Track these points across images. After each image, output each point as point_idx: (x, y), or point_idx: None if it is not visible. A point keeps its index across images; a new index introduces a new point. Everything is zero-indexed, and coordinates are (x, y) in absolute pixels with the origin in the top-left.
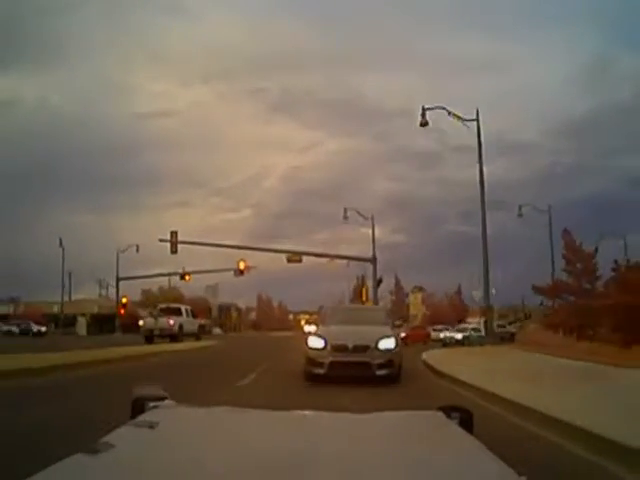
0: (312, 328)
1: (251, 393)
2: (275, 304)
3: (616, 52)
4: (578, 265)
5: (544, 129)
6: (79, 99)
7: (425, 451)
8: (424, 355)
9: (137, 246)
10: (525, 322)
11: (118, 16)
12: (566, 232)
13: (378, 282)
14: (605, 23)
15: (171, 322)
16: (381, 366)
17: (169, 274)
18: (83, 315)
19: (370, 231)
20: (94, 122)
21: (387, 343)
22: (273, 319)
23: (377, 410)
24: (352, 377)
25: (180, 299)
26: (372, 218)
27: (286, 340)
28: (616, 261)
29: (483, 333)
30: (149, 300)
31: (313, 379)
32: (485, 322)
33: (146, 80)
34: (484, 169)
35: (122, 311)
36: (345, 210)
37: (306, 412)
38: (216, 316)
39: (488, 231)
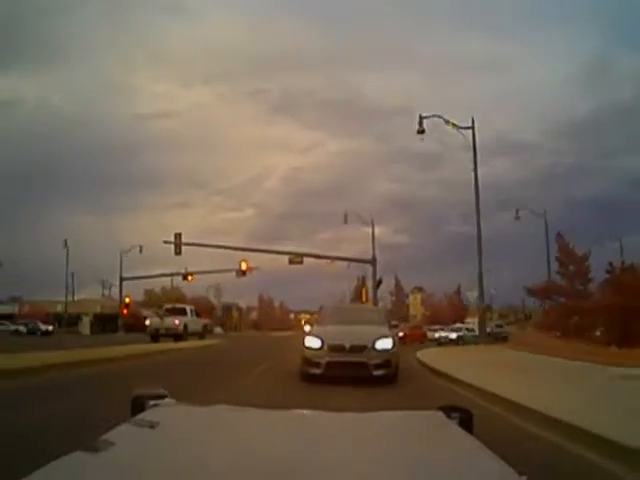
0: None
1: (254, 390)
2: (276, 304)
3: (616, 52)
4: (571, 267)
5: (544, 129)
6: (79, 99)
7: (425, 451)
8: (418, 354)
9: (140, 247)
10: (525, 323)
11: (118, 16)
12: (559, 236)
13: (378, 283)
14: (605, 23)
15: (176, 322)
16: (378, 366)
17: (172, 274)
18: (86, 315)
19: (371, 231)
20: (94, 122)
21: (384, 343)
22: (274, 319)
23: (371, 396)
24: (349, 377)
25: (182, 299)
26: (372, 221)
27: (287, 340)
28: (611, 263)
29: (477, 333)
30: (152, 300)
31: (310, 379)
32: (479, 322)
33: (146, 81)
34: (481, 171)
35: (125, 311)
36: (346, 215)
37: (306, 411)
38: (220, 316)
39: (491, 231)
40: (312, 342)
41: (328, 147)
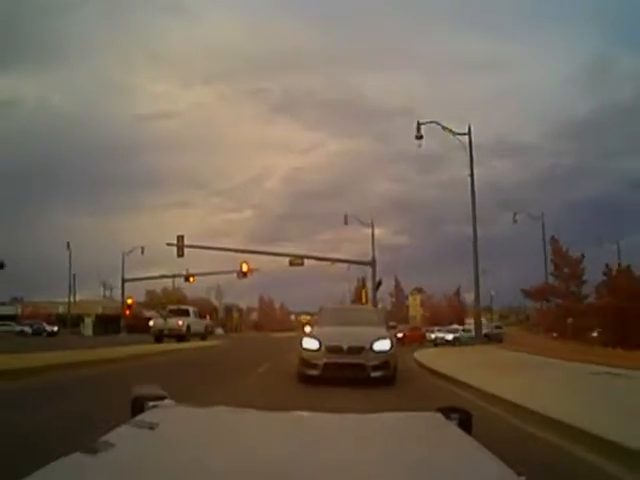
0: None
1: (256, 389)
2: (277, 305)
3: (616, 52)
4: (565, 270)
5: (544, 130)
6: (79, 99)
7: (424, 452)
8: (415, 354)
9: (142, 248)
10: (527, 324)
11: (118, 16)
12: (554, 239)
13: (377, 285)
14: (605, 23)
15: (180, 323)
16: (376, 368)
17: (173, 276)
18: (88, 316)
19: (371, 232)
20: (94, 123)
21: (382, 344)
22: (274, 320)
23: (369, 389)
24: (346, 379)
25: (183, 300)
26: (372, 223)
27: (287, 341)
28: (607, 265)
29: (473, 334)
30: (153, 301)
31: (307, 380)
32: (475, 324)
33: (147, 81)
34: (481, 172)
35: (127, 312)
36: (346, 216)
37: (305, 413)
38: (222, 317)
39: (492, 233)
40: (310, 343)
41: (328, 147)
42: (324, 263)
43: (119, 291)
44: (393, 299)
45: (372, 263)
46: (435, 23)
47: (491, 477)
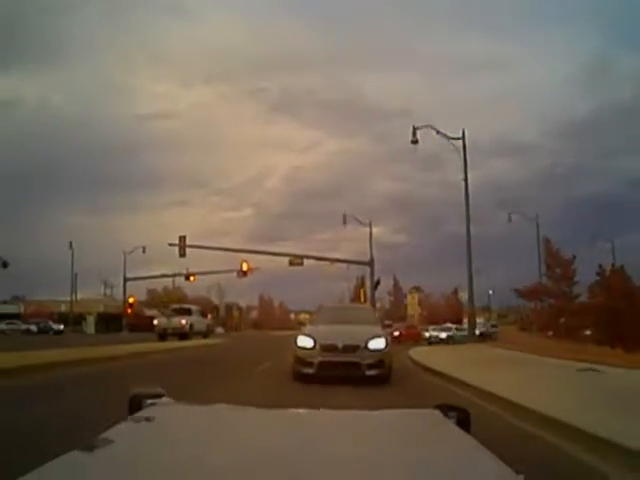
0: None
1: (260, 384)
2: (276, 304)
3: (617, 52)
4: (557, 270)
5: (544, 130)
6: (80, 100)
7: (423, 450)
8: (410, 351)
9: (144, 248)
10: (520, 323)
11: (119, 17)
12: (547, 240)
13: (376, 284)
14: (605, 23)
15: (183, 321)
16: (371, 366)
17: (174, 275)
18: (89, 314)
19: (372, 230)
20: (95, 123)
21: (377, 343)
22: (274, 319)
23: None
24: (341, 377)
25: (184, 299)
26: (370, 224)
27: (286, 339)
28: (600, 265)
29: (467, 332)
30: (154, 300)
31: (302, 379)
32: (469, 322)
33: (147, 81)
34: (481, 171)
35: (129, 310)
36: (344, 217)
37: (303, 410)
38: (223, 316)
39: (491, 232)
40: (305, 342)
41: (327, 147)
42: (323, 263)
43: (119, 290)
44: (392, 298)
45: (370, 263)
46: (435, 23)
47: (489, 475)
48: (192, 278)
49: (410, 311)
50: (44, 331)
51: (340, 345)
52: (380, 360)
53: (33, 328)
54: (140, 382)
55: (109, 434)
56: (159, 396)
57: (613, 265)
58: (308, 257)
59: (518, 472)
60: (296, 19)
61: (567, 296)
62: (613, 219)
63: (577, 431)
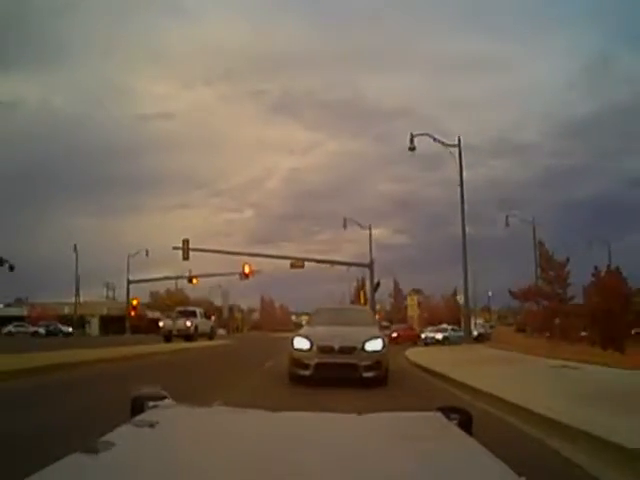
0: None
1: (268, 377)
2: (277, 305)
3: (618, 52)
4: (551, 273)
5: (544, 130)
6: (81, 101)
7: (425, 452)
8: (407, 352)
9: (147, 251)
10: (518, 324)
11: (120, 18)
12: (540, 244)
13: (375, 286)
14: (606, 23)
15: (188, 323)
16: (368, 368)
17: (177, 277)
18: (92, 316)
19: (372, 231)
20: (96, 124)
21: (374, 344)
22: (275, 320)
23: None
24: (338, 379)
25: (186, 301)
26: (370, 228)
27: (286, 340)
28: (596, 267)
29: (462, 333)
30: (157, 302)
31: (298, 381)
32: (465, 324)
33: (148, 82)
34: (481, 171)
35: (132, 313)
36: (345, 221)
37: (305, 413)
38: (227, 317)
39: (493, 232)
40: (301, 343)
41: (328, 147)
42: (324, 265)
43: (121, 292)
44: (392, 300)
45: (370, 265)
46: (435, 23)
47: (492, 478)
48: (195, 280)
49: (410, 313)
50: (53, 333)
51: (337, 346)
52: (377, 362)
53: (41, 331)
54: (161, 379)
55: (111, 437)
56: (161, 398)
57: (609, 267)
58: (309, 260)
59: (520, 474)
60: (296, 20)
61: (561, 298)
62: (614, 219)
63: (516, 407)
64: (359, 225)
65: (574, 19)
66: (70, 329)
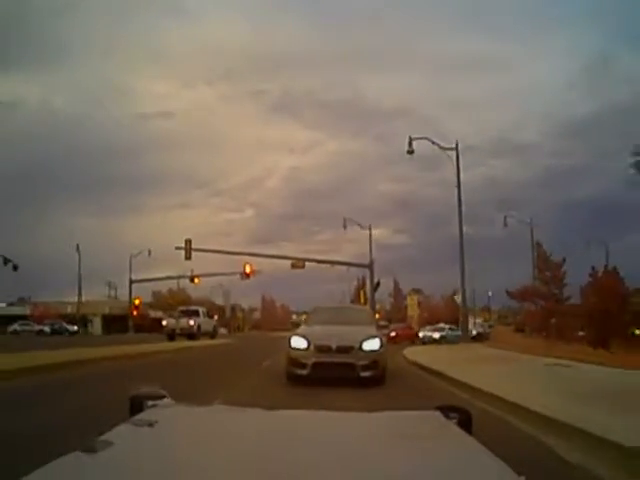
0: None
1: (267, 376)
2: (278, 305)
3: (618, 52)
4: (547, 273)
5: (544, 130)
6: (82, 100)
7: (424, 451)
8: (405, 350)
9: (149, 251)
10: (516, 324)
11: (120, 17)
12: (538, 244)
13: (375, 286)
14: (606, 23)
15: (191, 322)
16: (365, 367)
17: (178, 277)
18: (94, 315)
19: (372, 231)
20: (96, 124)
21: (371, 344)
22: (276, 319)
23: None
24: (336, 378)
25: (188, 300)
26: (369, 228)
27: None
28: (593, 267)
29: (460, 332)
30: (159, 302)
31: (296, 380)
32: (462, 323)
33: (148, 81)
34: (481, 171)
35: (135, 312)
36: (345, 222)
37: (304, 411)
38: (229, 317)
39: (495, 232)
40: (298, 342)
41: (328, 147)
42: (325, 265)
43: (122, 291)
44: (392, 299)
45: (370, 266)
46: (435, 23)
47: (491, 477)
48: (196, 280)
49: (410, 312)
50: (59, 332)
51: (334, 346)
52: (374, 361)
53: (46, 329)
54: (165, 377)
55: (109, 436)
56: (160, 397)
57: (606, 267)
58: (309, 260)
59: (520, 473)
60: (296, 20)
61: (557, 298)
62: (613, 219)
63: (502, 400)
64: (359, 225)
65: (574, 19)
66: (75, 328)
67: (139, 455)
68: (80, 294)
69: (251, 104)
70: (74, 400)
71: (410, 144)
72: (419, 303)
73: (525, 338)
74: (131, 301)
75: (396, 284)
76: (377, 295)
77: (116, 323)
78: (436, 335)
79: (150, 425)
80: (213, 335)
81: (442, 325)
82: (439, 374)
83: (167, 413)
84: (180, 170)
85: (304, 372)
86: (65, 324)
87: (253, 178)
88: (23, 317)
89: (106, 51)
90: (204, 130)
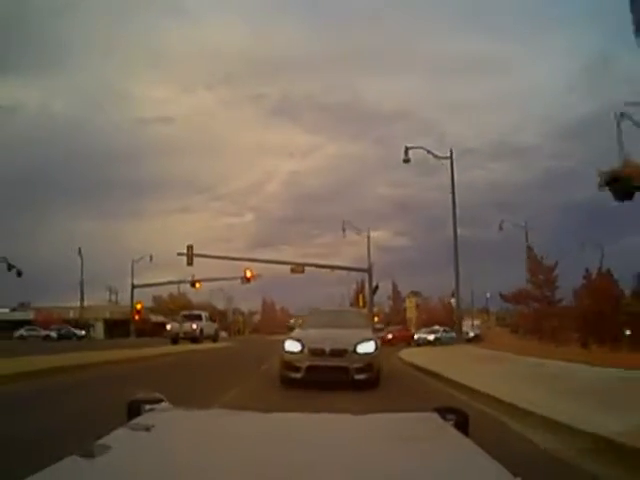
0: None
1: (266, 379)
2: (278, 308)
3: (617, 52)
4: (540, 276)
5: (544, 132)
6: (81, 105)
7: (421, 453)
8: (400, 352)
9: (151, 256)
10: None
11: (119, 22)
12: (529, 248)
13: (374, 290)
14: (606, 23)
15: (194, 326)
16: (359, 370)
17: (180, 282)
18: (96, 320)
19: (372, 234)
20: (96, 128)
21: (366, 347)
22: (276, 323)
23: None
24: (330, 382)
25: (188, 305)
26: (368, 231)
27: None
28: (587, 269)
29: (454, 334)
30: (160, 306)
31: (289, 383)
32: (456, 325)
33: (148, 86)
34: (481, 173)
35: (137, 316)
36: (344, 226)
37: (302, 414)
38: (231, 320)
39: (493, 235)
40: (292, 346)
41: (327, 150)
42: (324, 269)
43: (123, 295)
44: (391, 302)
45: (369, 270)
46: (435, 24)
47: (488, 478)
48: (198, 285)
49: (409, 315)
50: (66, 337)
51: (328, 349)
52: (369, 364)
53: (53, 334)
54: (182, 374)
55: (107, 440)
56: (158, 401)
57: (600, 269)
58: (309, 265)
59: (516, 475)
60: (296, 23)
61: (549, 300)
62: (611, 222)
63: (479, 393)
64: (357, 230)
65: (574, 19)
66: (83, 332)
67: (136, 459)
68: (82, 299)
69: (251, 108)
70: (81, 402)
71: (406, 153)
72: (417, 305)
73: (519, 340)
74: (133, 306)
75: (395, 287)
76: (376, 298)
77: (118, 328)
78: (430, 337)
79: (147, 429)
80: (215, 338)
81: (437, 327)
82: (434, 374)
83: (164, 417)
84: (180, 175)
85: (298, 375)
86: (72, 329)
87: (253, 182)
88: (27, 322)
89: (105, 55)
90: (204, 135)
